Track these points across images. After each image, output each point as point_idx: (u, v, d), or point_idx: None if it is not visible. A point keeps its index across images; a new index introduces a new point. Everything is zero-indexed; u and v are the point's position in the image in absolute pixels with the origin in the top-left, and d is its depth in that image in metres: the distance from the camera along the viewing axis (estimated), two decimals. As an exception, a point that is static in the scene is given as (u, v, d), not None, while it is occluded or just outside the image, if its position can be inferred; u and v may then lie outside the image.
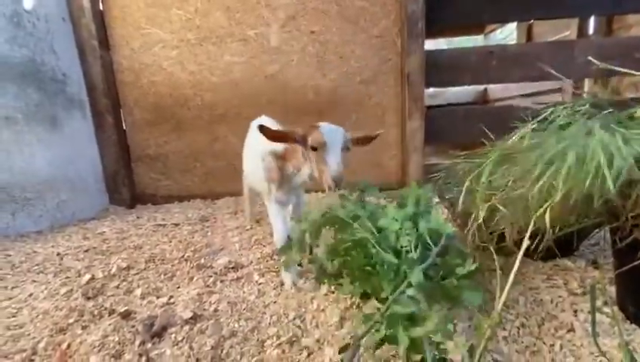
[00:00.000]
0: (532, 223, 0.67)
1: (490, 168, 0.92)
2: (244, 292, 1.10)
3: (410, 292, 0.70)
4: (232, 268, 1.29)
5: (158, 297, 1.11)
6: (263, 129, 1.03)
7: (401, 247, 0.87)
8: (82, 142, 2.24)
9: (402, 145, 2.35)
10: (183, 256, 1.41)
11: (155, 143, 2.42)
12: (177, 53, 2.30)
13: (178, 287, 1.18)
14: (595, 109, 0.83)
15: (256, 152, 1.27)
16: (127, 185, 2.40)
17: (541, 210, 0.67)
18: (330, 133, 0.99)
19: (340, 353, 0.71)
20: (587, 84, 3.00)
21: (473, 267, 0.81)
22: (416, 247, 0.85)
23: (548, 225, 0.66)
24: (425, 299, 0.68)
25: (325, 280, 1.02)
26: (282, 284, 1.14)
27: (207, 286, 1.15)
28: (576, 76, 2.52)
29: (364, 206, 1.00)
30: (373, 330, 0.65)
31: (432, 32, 2.13)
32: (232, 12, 2.24)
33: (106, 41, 2.30)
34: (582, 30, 3.24)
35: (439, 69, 2.23)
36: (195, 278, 1.22)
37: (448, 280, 0.80)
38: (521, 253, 0.63)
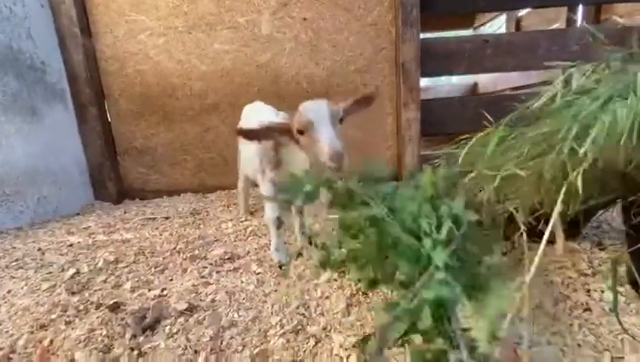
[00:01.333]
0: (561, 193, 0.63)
1: (499, 145, 0.88)
2: (242, 282, 1.04)
3: (439, 275, 0.64)
4: (228, 258, 1.22)
5: (149, 290, 1.04)
6: (240, 131, 0.97)
7: (419, 228, 0.80)
8: (64, 134, 2.13)
9: (398, 136, 2.31)
10: (174, 248, 1.34)
11: (142, 135, 2.32)
12: (164, 41, 2.21)
13: (171, 279, 1.11)
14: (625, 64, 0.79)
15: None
16: (113, 180, 2.30)
17: (574, 174, 0.61)
18: (314, 109, 0.90)
19: (360, 346, 0.64)
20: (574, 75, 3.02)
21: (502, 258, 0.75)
22: (437, 229, 0.78)
23: (580, 189, 0.61)
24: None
25: (328, 268, 0.96)
26: (282, 274, 1.08)
27: (203, 277, 1.09)
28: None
29: (372, 187, 0.92)
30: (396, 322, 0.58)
31: (424, 22, 2.09)
32: (223, -1, 2.16)
33: (88, 28, 2.19)
34: (570, 22, 3.28)
35: (434, 58, 2.20)
36: (188, 270, 1.15)
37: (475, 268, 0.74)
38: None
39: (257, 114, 1.38)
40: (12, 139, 1.80)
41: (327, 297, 0.91)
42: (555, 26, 3.46)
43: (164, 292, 1.01)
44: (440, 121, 2.31)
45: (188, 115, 2.29)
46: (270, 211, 1.18)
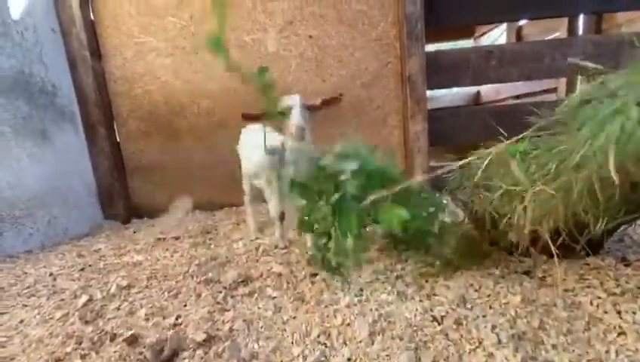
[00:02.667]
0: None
1: (522, 160, 0.86)
2: (259, 308, 1.01)
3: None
4: (242, 281, 1.20)
5: (164, 317, 1.01)
6: (244, 115, 1.35)
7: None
8: (74, 156, 2.14)
9: (406, 149, 2.30)
10: (187, 271, 1.32)
11: (151, 154, 2.33)
12: (172, 61, 2.24)
13: (185, 305, 1.09)
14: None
15: (256, 153, 1.50)
16: (122, 199, 2.30)
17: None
18: (292, 99, 1.28)
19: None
20: (579, 82, 3.01)
21: None
22: None
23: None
24: None
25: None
26: (299, 298, 1.06)
27: (218, 302, 1.06)
28: (574, 74, 2.52)
29: None
30: None
31: (426, 33, 2.11)
32: (228, 18, 2.19)
33: (98, 51, 2.23)
34: (571, 31, 3.29)
35: (440, 71, 2.21)
36: (203, 295, 1.13)
37: None
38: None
39: (256, 133, 1.66)
40: (23, 163, 1.81)
41: (348, 324, 0.88)
42: (556, 34, 3.47)
43: (180, 320, 0.99)
44: (447, 132, 2.31)
45: (196, 133, 2.30)
46: (274, 209, 1.48)
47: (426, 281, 1.09)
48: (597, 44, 2.23)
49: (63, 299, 1.19)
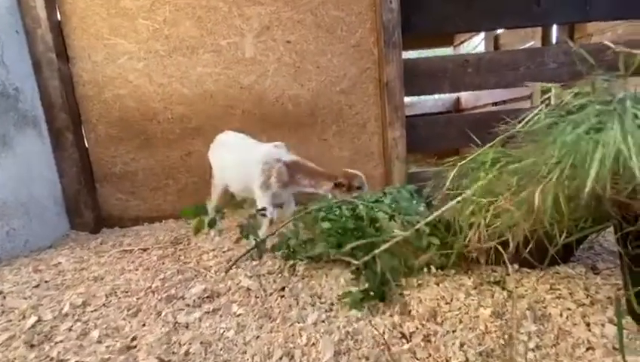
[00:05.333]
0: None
1: (492, 166, 0.85)
2: (221, 327, 0.95)
3: None
4: (207, 297, 1.14)
5: (118, 339, 0.94)
6: (336, 184, 1.55)
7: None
8: (37, 163, 2.02)
9: (385, 155, 2.29)
10: (149, 287, 1.24)
11: (122, 161, 2.23)
12: (144, 65, 2.16)
13: (143, 325, 1.02)
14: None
15: (246, 161, 1.68)
16: (90, 208, 2.19)
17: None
18: (362, 177, 1.60)
19: None
20: (554, 89, 3.09)
21: None
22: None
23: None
24: None
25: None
26: (266, 315, 1.00)
27: (177, 322, 1.00)
28: (548, 81, 2.57)
29: None
30: None
31: (406, 41, 2.11)
32: (204, 22, 2.14)
33: (65, 53, 2.13)
34: (545, 40, 3.39)
35: (418, 78, 2.21)
36: (163, 313, 1.06)
37: None
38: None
39: (231, 141, 1.82)
40: (-21, 171, 1.69)
41: (313, 344, 0.83)
42: (532, 43, 3.57)
43: (134, 342, 0.92)
44: (425, 139, 2.31)
45: (170, 138, 2.22)
46: (267, 213, 1.59)
47: (400, 294, 1.06)
48: (569, 53, 2.27)
49: (10, 320, 1.09)
